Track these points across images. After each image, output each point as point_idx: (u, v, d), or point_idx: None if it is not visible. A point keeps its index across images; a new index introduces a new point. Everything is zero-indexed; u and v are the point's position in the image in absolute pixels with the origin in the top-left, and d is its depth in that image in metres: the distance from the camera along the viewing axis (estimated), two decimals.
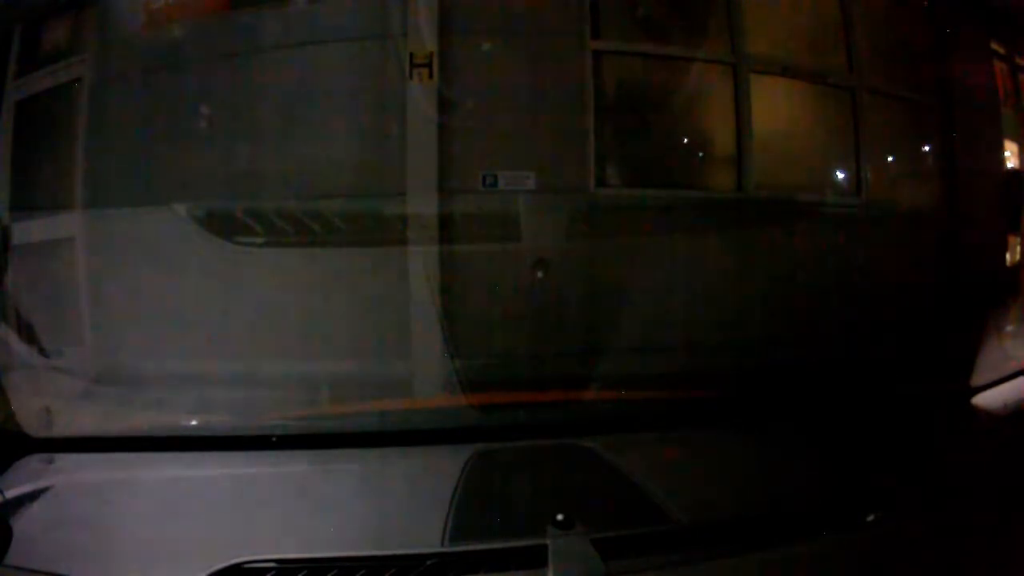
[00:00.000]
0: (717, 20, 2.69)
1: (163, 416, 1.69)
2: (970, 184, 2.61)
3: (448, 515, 1.19)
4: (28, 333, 1.93)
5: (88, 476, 1.41)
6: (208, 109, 2.33)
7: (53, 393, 1.79)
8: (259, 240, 2.23)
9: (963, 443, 1.56)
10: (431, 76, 2.34)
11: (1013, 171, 2.65)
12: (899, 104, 2.85)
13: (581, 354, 2.27)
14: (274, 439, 1.44)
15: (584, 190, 2.48)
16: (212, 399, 1.76)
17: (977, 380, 1.71)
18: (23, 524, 1.19)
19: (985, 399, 1.67)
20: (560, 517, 1.10)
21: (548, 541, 1.06)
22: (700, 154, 2.74)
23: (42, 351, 1.94)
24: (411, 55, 2.34)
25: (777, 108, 2.77)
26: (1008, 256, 2.54)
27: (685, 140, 2.73)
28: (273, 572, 1.07)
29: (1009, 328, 2.00)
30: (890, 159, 2.90)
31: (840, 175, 2.79)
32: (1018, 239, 2.56)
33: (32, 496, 1.29)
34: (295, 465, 1.39)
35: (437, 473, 1.34)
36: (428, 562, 1.07)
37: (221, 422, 1.66)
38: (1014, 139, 2.67)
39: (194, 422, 1.61)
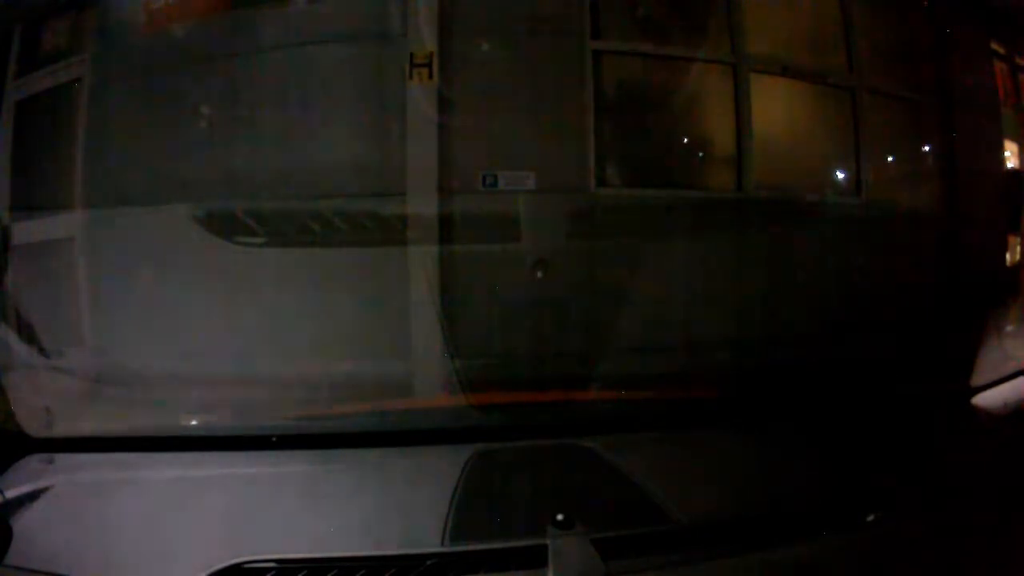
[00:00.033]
0: (717, 20, 2.69)
1: (163, 416, 1.69)
2: (970, 184, 2.61)
3: (448, 515, 1.19)
4: (28, 333, 1.93)
5: (88, 476, 1.41)
6: (208, 109, 2.33)
7: (53, 393, 1.79)
8: (259, 240, 2.23)
9: (963, 443, 1.56)
10: (431, 76, 2.34)
11: (1013, 171, 2.65)
12: (899, 104, 2.85)
13: (581, 354, 2.26)
14: (274, 439, 1.44)
15: (584, 190, 2.48)
16: (212, 399, 1.76)
17: (977, 380, 1.71)
18: (23, 524, 1.19)
19: (985, 399, 1.67)
20: (560, 517, 1.10)
21: (548, 541, 1.06)
22: (700, 154, 2.74)
23: (42, 351, 1.94)
24: (411, 55, 2.34)
25: (777, 108, 2.77)
26: (1008, 256, 2.54)
27: (685, 140, 2.73)
28: (273, 572, 1.07)
29: (1009, 328, 2.00)
30: (890, 159, 2.90)
31: (840, 175, 2.79)
32: (1018, 239, 2.56)
33: (32, 496, 1.29)
34: (295, 465, 1.39)
35: (437, 473, 1.34)
36: (428, 562, 1.07)
37: (221, 422, 1.66)
38: (1014, 139, 2.67)
39: (194, 422, 1.61)
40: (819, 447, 1.48)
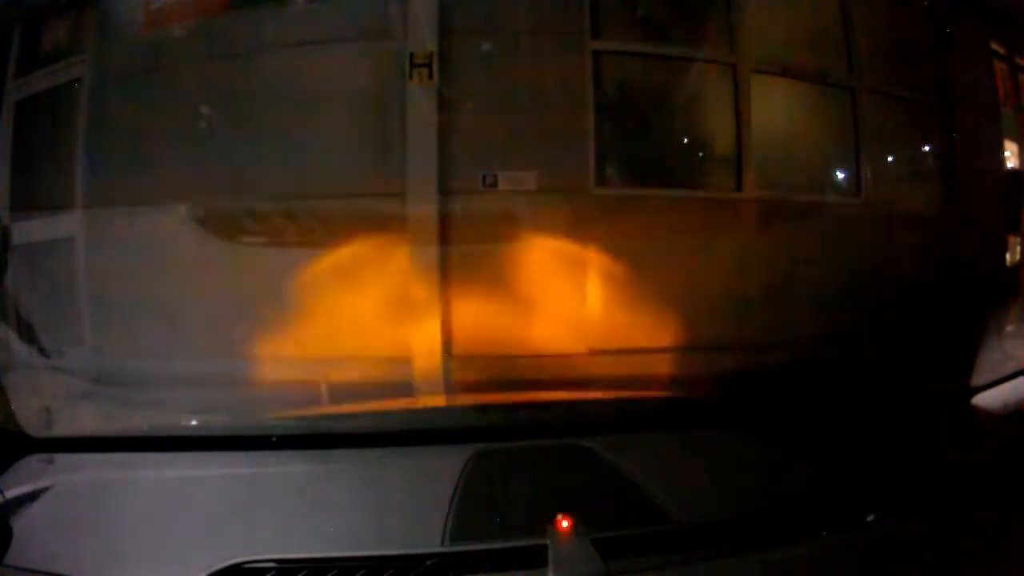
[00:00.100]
0: (717, 20, 2.69)
1: (163, 416, 1.69)
2: (970, 184, 2.61)
3: (448, 515, 1.19)
4: (28, 333, 1.93)
5: (88, 476, 1.41)
6: (208, 109, 2.33)
7: (53, 393, 1.79)
8: (259, 240, 2.23)
9: (963, 443, 1.56)
10: (431, 76, 2.34)
11: (1013, 171, 2.65)
12: (899, 104, 2.85)
13: (580, 354, 2.27)
14: (274, 439, 1.44)
15: (584, 190, 2.48)
16: (212, 399, 1.76)
17: (977, 380, 1.72)
18: (23, 524, 1.19)
19: (985, 399, 1.67)
20: (560, 517, 1.10)
21: (548, 541, 1.06)
22: (700, 154, 2.74)
23: (42, 351, 1.94)
24: (411, 55, 2.33)
25: (777, 108, 2.77)
26: (1008, 256, 2.54)
27: (685, 140, 2.73)
28: (273, 572, 1.07)
29: (1009, 328, 2.00)
30: (890, 159, 2.90)
31: (840, 175, 2.79)
32: (1018, 239, 2.56)
33: (32, 496, 1.29)
34: (295, 465, 1.39)
35: (437, 473, 1.34)
36: (428, 562, 1.07)
37: (221, 422, 1.66)
38: (1014, 139, 2.67)
39: (194, 422, 1.61)
40: (819, 447, 1.48)
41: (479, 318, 2.25)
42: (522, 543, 1.09)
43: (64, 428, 1.57)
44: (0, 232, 2.14)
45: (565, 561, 1.03)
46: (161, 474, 1.39)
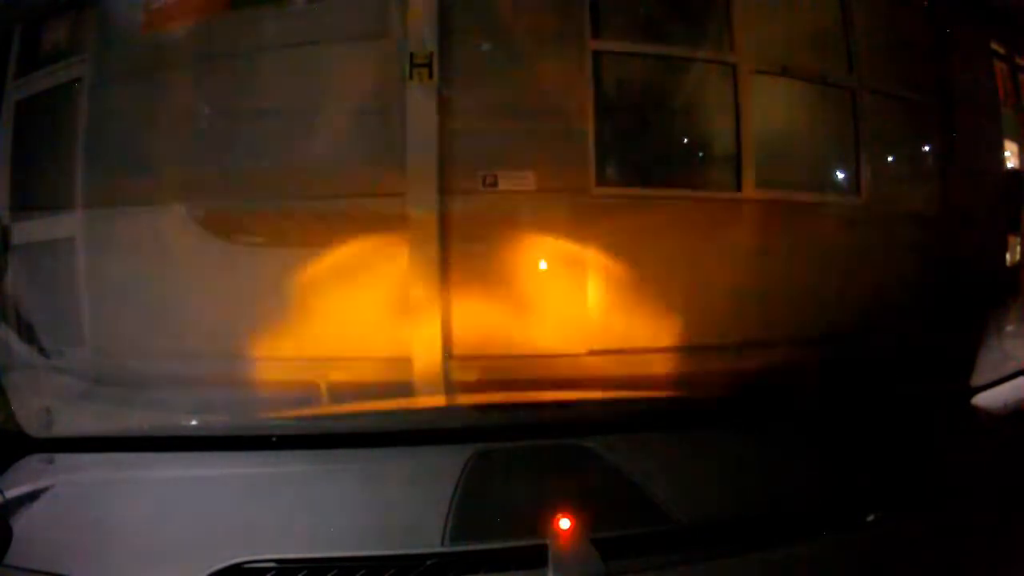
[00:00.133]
0: (717, 20, 2.69)
1: (163, 416, 1.69)
2: (970, 184, 2.61)
3: (448, 515, 1.19)
4: (28, 333, 1.93)
5: (88, 476, 1.41)
6: (208, 109, 2.34)
7: (53, 393, 1.79)
8: (259, 240, 2.23)
9: (963, 443, 1.56)
10: (431, 76, 2.34)
11: (1013, 171, 2.65)
12: (899, 104, 2.85)
13: (580, 354, 2.27)
14: (274, 439, 1.44)
15: (584, 190, 2.48)
16: (212, 399, 1.76)
17: (977, 380, 1.72)
18: (23, 524, 1.19)
19: (985, 399, 1.67)
20: (560, 517, 1.10)
21: (548, 541, 1.06)
22: (700, 154, 2.74)
23: (42, 351, 1.94)
24: (411, 55, 2.34)
25: (777, 108, 2.77)
26: (1008, 256, 2.54)
27: (685, 140, 2.73)
28: (273, 572, 1.07)
29: (1009, 328, 2.00)
30: (890, 159, 2.90)
31: (840, 175, 2.79)
32: (1018, 239, 2.56)
33: (32, 496, 1.29)
34: (295, 465, 1.39)
35: (437, 473, 1.34)
36: (428, 562, 1.07)
37: (221, 422, 1.66)
38: (1014, 139, 2.67)
39: (194, 422, 1.61)
40: (819, 447, 1.48)
41: (479, 318, 2.26)
42: (522, 543, 1.09)
43: (64, 428, 1.57)
44: (0, 232, 2.14)
45: (565, 561, 1.03)
46: (161, 474, 1.39)
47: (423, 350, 2.20)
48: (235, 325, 2.16)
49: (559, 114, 2.47)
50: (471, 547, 1.11)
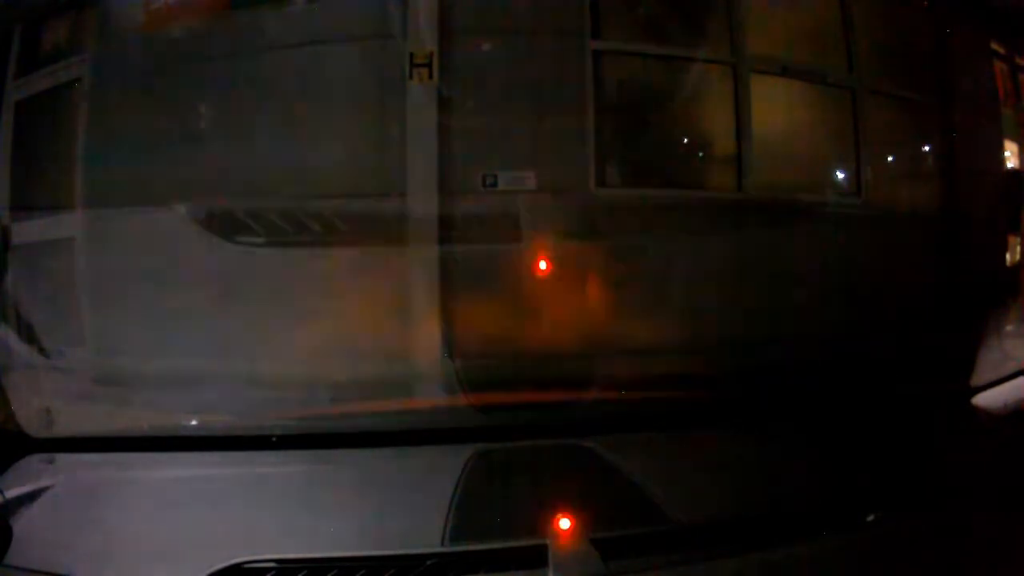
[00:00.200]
0: (717, 20, 2.69)
1: (163, 416, 1.69)
2: (970, 184, 2.61)
3: (448, 515, 1.19)
4: (28, 333, 1.93)
5: (88, 476, 1.41)
6: (208, 109, 2.33)
7: (53, 393, 1.79)
8: (259, 240, 2.23)
9: (963, 443, 1.56)
10: (431, 76, 2.33)
11: (1013, 171, 2.65)
12: (899, 104, 2.85)
13: (581, 354, 2.26)
14: (274, 439, 1.44)
15: (584, 190, 2.47)
16: (212, 399, 1.76)
17: (977, 380, 1.72)
18: (23, 524, 1.20)
19: (985, 399, 1.67)
20: (560, 517, 1.10)
21: (548, 541, 1.06)
22: (700, 154, 2.73)
23: (42, 351, 1.94)
24: (411, 55, 2.33)
25: (777, 108, 2.77)
26: (1008, 256, 2.54)
27: (685, 140, 2.73)
28: (273, 572, 1.07)
29: (1009, 328, 2.00)
30: (890, 159, 2.90)
31: (840, 175, 2.79)
32: (1018, 239, 2.55)
33: (32, 496, 1.29)
34: (295, 465, 1.40)
35: (437, 473, 1.34)
36: (428, 562, 1.07)
37: (221, 422, 1.66)
38: (1014, 139, 2.66)
39: (194, 422, 1.61)
40: (819, 447, 1.48)
41: (479, 318, 2.25)
42: (522, 543, 1.09)
43: (64, 428, 1.57)
44: (0, 232, 2.14)
45: (565, 561, 1.03)
46: (161, 474, 1.39)
47: (423, 350, 2.20)
48: (234, 325, 2.16)
49: (559, 114, 2.47)
50: (471, 547, 1.11)
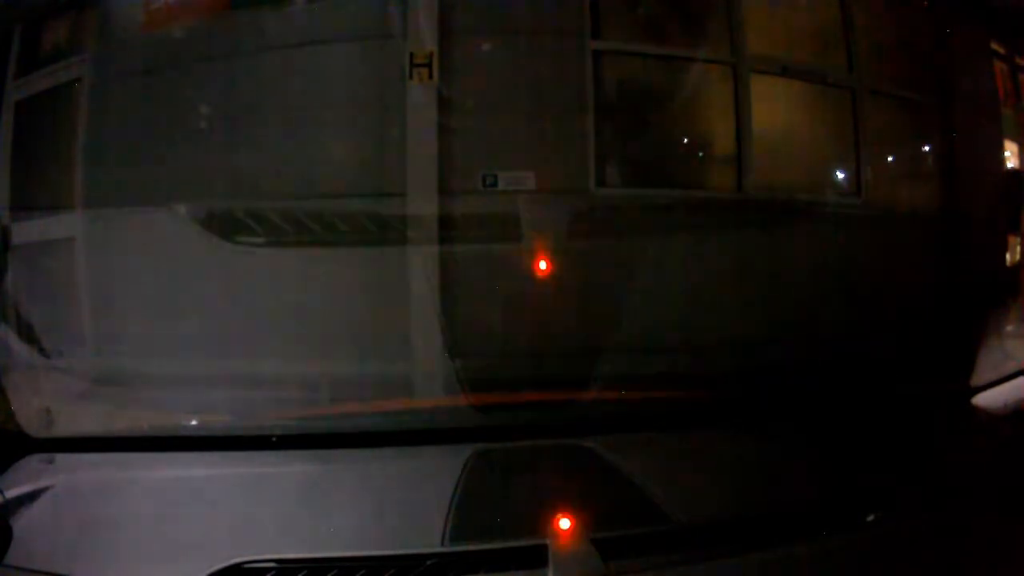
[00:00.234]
0: (717, 20, 2.69)
1: (163, 416, 1.69)
2: (970, 184, 2.61)
3: (448, 515, 1.19)
4: (28, 333, 1.93)
5: (88, 476, 1.41)
6: (208, 109, 2.33)
7: (53, 393, 1.79)
8: (259, 240, 2.23)
9: (963, 443, 1.56)
10: (431, 76, 2.33)
11: (1013, 171, 2.65)
12: (899, 104, 2.85)
13: (581, 354, 2.26)
14: (274, 439, 1.44)
15: (584, 190, 2.47)
16: (212, 399, 1.76)
17: (977, 380, 1.72)
18: (23, 524, 1.20)
19: (985, 399, 1.67)
20: (560, 517, 1.10)
21: (548, 541, 1.06)
22: (700, 154, 2.73)
23: (42, 351, 1.94)
24: (411, 55, 2.33)
25: (777, 108, 2.77)
26: (1008, 256, 2.53)
27: (685, 140, 2.73)
28: (273, 572, 1.07)
29: (1009, 328, 2.00)
30: (890, 159, 2.90)
31: (840, 175, 2.79)
32: (1018, 239, 2.55)
33: (32, 496, 1.29)
34: (295, 465, 1.40)
35: (437, 473, 1.34)
36: (428, 562, 1.07)
37: (221, 422, 1.66)
38: (1014, 139, 2.66)
39: (194, 422, 1.61)
40: (819, 447, 1.48)
41: (479, 318, 2.25)
42: (522, 543, 1.09)
43: (64, 428, 1.57)
44: (0, 232, 2.14)
45: (565, 561, 1.03)
46: (161, 474, 1.39)
47: (422, 350, 2.20)
48: (234, 325, 2.16)
49: (559, 114, 2.47)
50: (471, 547, 1.11)
